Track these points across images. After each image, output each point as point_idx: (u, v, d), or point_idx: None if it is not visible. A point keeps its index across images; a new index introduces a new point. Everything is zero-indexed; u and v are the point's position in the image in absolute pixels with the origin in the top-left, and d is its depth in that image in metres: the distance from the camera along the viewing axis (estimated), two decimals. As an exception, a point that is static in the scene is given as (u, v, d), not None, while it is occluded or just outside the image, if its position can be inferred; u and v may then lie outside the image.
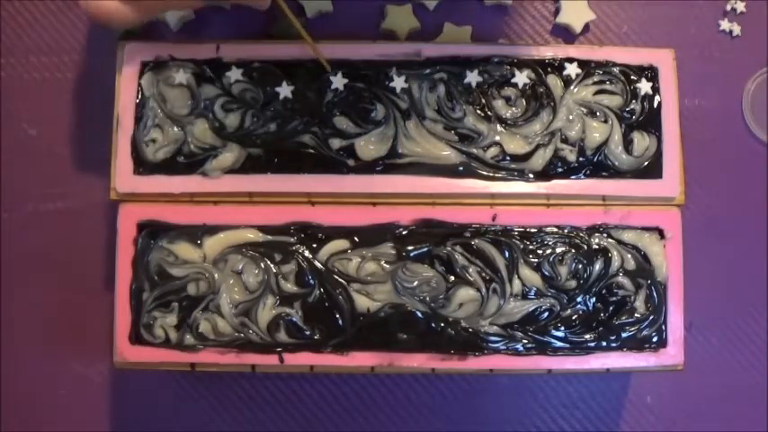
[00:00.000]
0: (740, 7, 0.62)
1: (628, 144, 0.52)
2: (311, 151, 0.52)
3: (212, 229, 0.51)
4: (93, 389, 0.59)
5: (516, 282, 0.51)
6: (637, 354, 0.52)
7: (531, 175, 0.52)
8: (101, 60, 0.61)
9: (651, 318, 0.52)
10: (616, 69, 0.53)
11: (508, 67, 0.53)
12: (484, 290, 0.51)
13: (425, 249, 0.51)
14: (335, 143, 0.52)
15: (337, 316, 0.51)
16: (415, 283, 0.51)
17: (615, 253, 0.52)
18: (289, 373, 0.58)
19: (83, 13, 0.50)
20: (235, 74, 0.52)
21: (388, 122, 0.52)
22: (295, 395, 0.59)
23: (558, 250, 0.52)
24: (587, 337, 0.51)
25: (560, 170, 0.52)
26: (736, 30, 0.62)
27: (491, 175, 0.52)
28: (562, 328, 0.51)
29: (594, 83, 0.53)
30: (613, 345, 0.51)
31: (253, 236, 0.51)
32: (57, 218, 0.59)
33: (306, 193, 0.52)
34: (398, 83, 0.52)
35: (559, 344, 0.51)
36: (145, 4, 0.47)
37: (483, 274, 0.51)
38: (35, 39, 0.61)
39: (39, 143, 0.60)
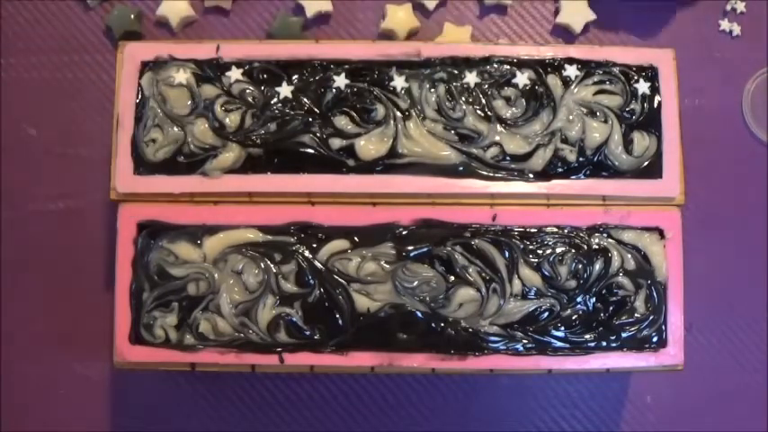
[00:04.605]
0: (740, 7, 0.62)
1: (628, 144, 0.52)
2: (311, 151, 0.52)
3: (212, 229, 0.51)
4: (93, 389, 0.59)
5: (516, 282, 0.51)
6: (637, 354, 0.51)
7: (531, 175, 0.52)
8: (101, 60, 0.61)
9: (651, 318, 0.52)
10: (616, 69, 0.53)
11: (508, 67, 0.53)
12: (484, 290, 0.51)
13: (425, 249, 0.51)
14: (335, 143, 0.52)
15: (337, 316, 0.51)
16: (415, 283, 0.51)
17: (615, 253, 0.52)
18: (289, 373, 0.58)
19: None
20: (235, 74, 0.52)
21: (387, 122, 0.52)
22: (295, 395, 0.59)
23: (558, 250, 0.52)
24: (587, 337, 0.51)
25: (560, 170, 0.52)
26: (736, 30, 0.62)
27: (491, 175, 0.52)
28: (562, 328, 0.51)
29: (594, 83, 0.53)
30: (613, 345, 0.51)
31: (253, 236, 0.51)
32: (57, 218, 0.60)
33: (306, 193, 0.52)
34: (398, 83, 0.52)
35: (559, 344, 0.51)
36: None
37: (483, 274, 0.51)
38: (35, 39, 0.61)
39: (39, 143, 0.60)
